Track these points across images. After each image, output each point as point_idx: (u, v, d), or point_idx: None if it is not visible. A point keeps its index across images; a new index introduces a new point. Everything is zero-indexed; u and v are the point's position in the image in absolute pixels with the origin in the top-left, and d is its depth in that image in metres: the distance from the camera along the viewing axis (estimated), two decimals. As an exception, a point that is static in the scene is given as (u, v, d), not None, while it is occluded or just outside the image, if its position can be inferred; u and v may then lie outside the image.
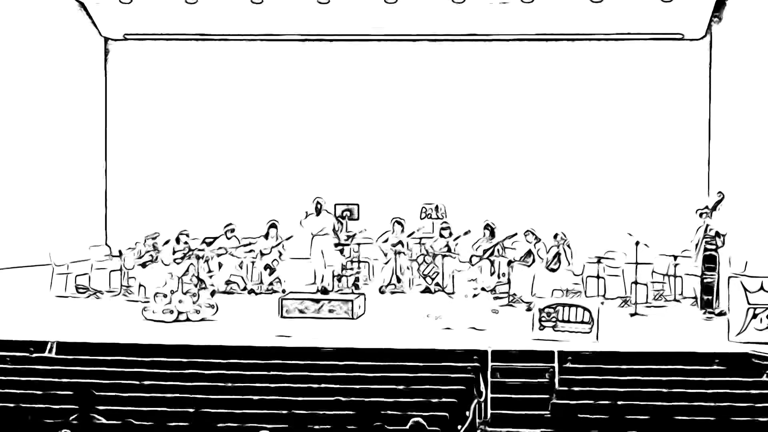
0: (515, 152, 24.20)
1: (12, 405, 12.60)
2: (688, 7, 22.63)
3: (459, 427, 13.11)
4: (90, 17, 24.32)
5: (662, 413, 12.67)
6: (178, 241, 21.09)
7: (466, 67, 24.31)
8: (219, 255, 21.76)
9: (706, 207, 19.19)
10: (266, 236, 21.93)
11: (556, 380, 15.28)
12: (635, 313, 19.12)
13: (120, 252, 21.90)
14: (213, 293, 20.16)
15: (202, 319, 18.72)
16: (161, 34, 24.68)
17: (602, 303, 18.83)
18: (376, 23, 23.58)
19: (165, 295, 18.75)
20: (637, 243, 19.49)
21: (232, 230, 21.99)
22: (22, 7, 22.52)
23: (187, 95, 24.86)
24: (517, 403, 15.34)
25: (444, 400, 13.51)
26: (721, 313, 18.18)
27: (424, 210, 22.83)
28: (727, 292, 16.88)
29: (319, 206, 21.11)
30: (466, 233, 21.63)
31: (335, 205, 22.28)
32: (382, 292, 21.80)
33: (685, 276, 20.45)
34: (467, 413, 13.77)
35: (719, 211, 18.89)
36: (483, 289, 20.94)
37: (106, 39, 25.00)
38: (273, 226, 21.94)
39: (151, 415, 12.34)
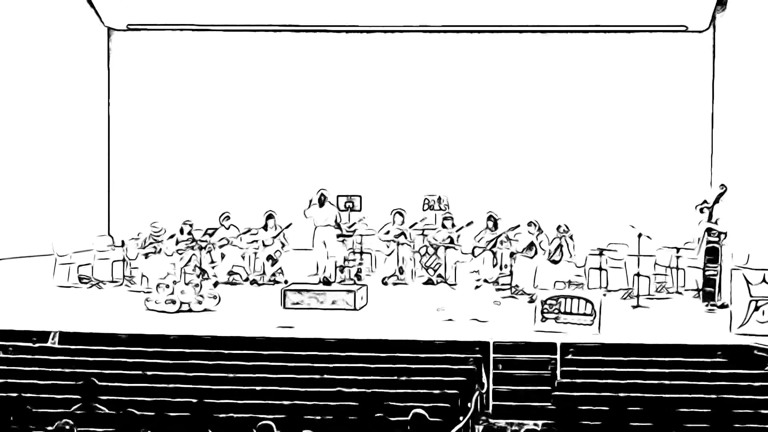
0: (518, 144, 24.21)
1: (14, 394, 12.62)
2: (692, -2, 22.70)
3: (461, 418, 13.11)
4: (93, 7, 24.32)
5: (664, 405, 12.68)
6: (182, 231, 21.13)
7: (469, 58, 24.32)
8: (221, 246, 21.79)
9: (705, 202, 19.17)
10: (265, 227, 21.93)
11: (558, 372, 15.29)
12: (637, 305, 19.11)
13: (123, 242, 21.91)
14: (215, 284, 20.17)
15: (205, 310, 18.72)
16: (164, 25, 24.68)
17: (604, 295, 18.83)
18: (379, 14, 23.58)
19: (167, 286, 18.76)
20: (640, 235, 19.50)
21: (228, 217, 22.00)
22: (26, -3, 22.59)
23: (189, 86, 24.87)
24: (519, 394, 15.35)
25: (446, 391, 13.53)
26: (723, 306, 18.19)
27: (426, 201, 22.84)
28: (729, 285, 16.88)
29: (323, 198, 21.10)
30: (468, 224, 21.64)
31: (337, 196, 22.29)
32: (385, 284, 21.80)
33: (687, 268, 20.46)
34: (469, 405, 13.78)
35: (721, 204, 18.87)
36: (485, 280, 20.97)
37: (110, 29, 25.00)
38: (270, 216, 21.94)
39: (152, 405, 12.35)
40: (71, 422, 10.75)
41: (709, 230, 18.76)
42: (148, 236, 20.95)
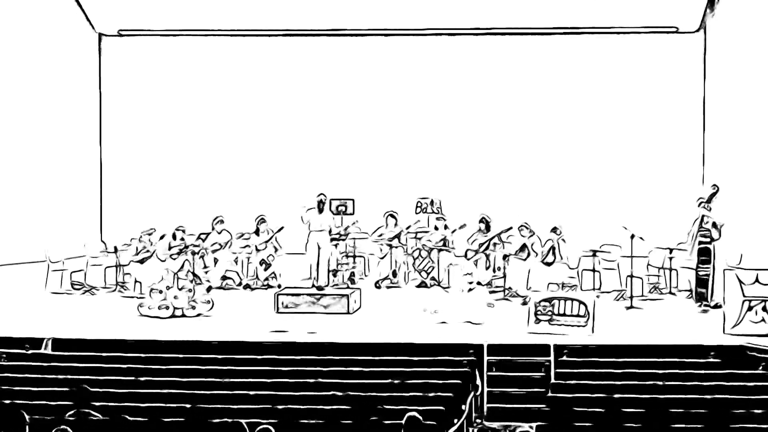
0: (510, 146, 24.22)
1: (7, 402, 12.58)
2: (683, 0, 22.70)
3: (455, 420, 13.10)
4: (84, 13, 24.30)
5: (658, 406, 12.67)
6: (174, 237, 21.13)
7: (461, 61, 24.33)
8: (214, 250, 21.77)
9: (702, 198, 19.20)
10: (257, 232, 21.94)
11: (552, 374, 15.29)
12: (631, 307, 19.14)
13: (115, 248, 21.91)
14: (209, 289, 20.16)
15: (198, 315, 18.70)
16: (155, 30, 24.67)
17: (598, 296, 18.84)
18: (368, 18, 23.59)
19: (160, 291, 18.73)
20: (632, 236, 19.52)
21: (221, 221, 21.99)
22: (17, 2, 22.47)
23: (181, 91, 24.87)
24: (513, 396, 15.35)
25: (440, 394, 13.51)
26: (717, 306, 18.20)
27: (419, 204, 22.85)
28: (722, 285, 16.89)
29: (321, 203, 21.02)
30: (461, 227, 21.66)
31: (330, 199, 22.28)
32: (378, 287, 21.82)
33: (680, 269, 20.49)
34: (463, 407, 13.76)
35: (714, 204, 18.89)
36: (478, 283, 20.98)
37: (101, 35, 24.98)
38: (262, 221, 21.96)
39: (146, 411, 12.32)
40: (69, 430, 10.69)
41: (702, 221, 18.73)
42: (139, 238, 20.94)
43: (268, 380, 14.21)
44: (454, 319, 17.84)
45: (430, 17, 23.49)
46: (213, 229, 21.96)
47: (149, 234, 21.09)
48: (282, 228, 21.74)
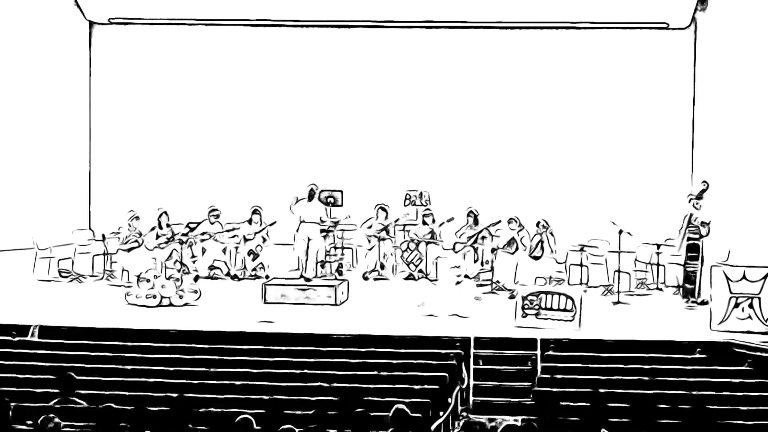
0: (499, 140, 24.17)
1: (-6, 389, 12.58)
2: (673, -4, 22.75)
3: (441, 414, 13.12)
4: (75, 1, 24.21)
5: (644, 401, 12.70)
6: (160, 225, 21.10)
7: (450, 54, 24.27)
8: (202, 240, 21.74)
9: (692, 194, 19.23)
10: (249, 222, 21.92)
11: (539, 368, 15.31)
12: (618, 302, 19.17)
13: (103, 236, 21.85)
14: (196, 278, 20.12)
15: (185, 304, 18.69)
16: (146, 19, 24.58)
17: (585, 291, 18.89)
18: (360, 10, 23.55)
19: (148, 280, 18.72)
20: (620, 231, 19.54)
21: (217, 215, 21.96)
22: (6, -11, 22.45)
23: (171, 80, 24.76)
24: (499, 390, 15.37)
25: (426, 387, 13.54)
26: (704, 302, 18.24)
27: (408, 197, 22.81)
28: (710, 281, 16.92)
29: (312, 193, 20.88)
30: (449, 220, 21.65)
31: (320, 190, 22.22)
32: (366, 279, 21.82)
33: (668, 265, 20.52)
34: (449, 400, 13.79)
35: (704, 200, 18.91)
36: (466, 276, 20.96)
37: (91, 23, 24.90)
38: (256, 211, 21.93)
39: (132, 400, 12.32)
40: (57, 419, 10.65)
41: (691, 217, 18.75)
42: (129, 224, 20.94)
43: (255, 370, 14.22)
44: (441, 312, 17.86)
45: (419, 10, 23.42)
46: (208, 218, 21.88)
47: (136, 219, 21.05)
48: (275, 222, 21.68)
